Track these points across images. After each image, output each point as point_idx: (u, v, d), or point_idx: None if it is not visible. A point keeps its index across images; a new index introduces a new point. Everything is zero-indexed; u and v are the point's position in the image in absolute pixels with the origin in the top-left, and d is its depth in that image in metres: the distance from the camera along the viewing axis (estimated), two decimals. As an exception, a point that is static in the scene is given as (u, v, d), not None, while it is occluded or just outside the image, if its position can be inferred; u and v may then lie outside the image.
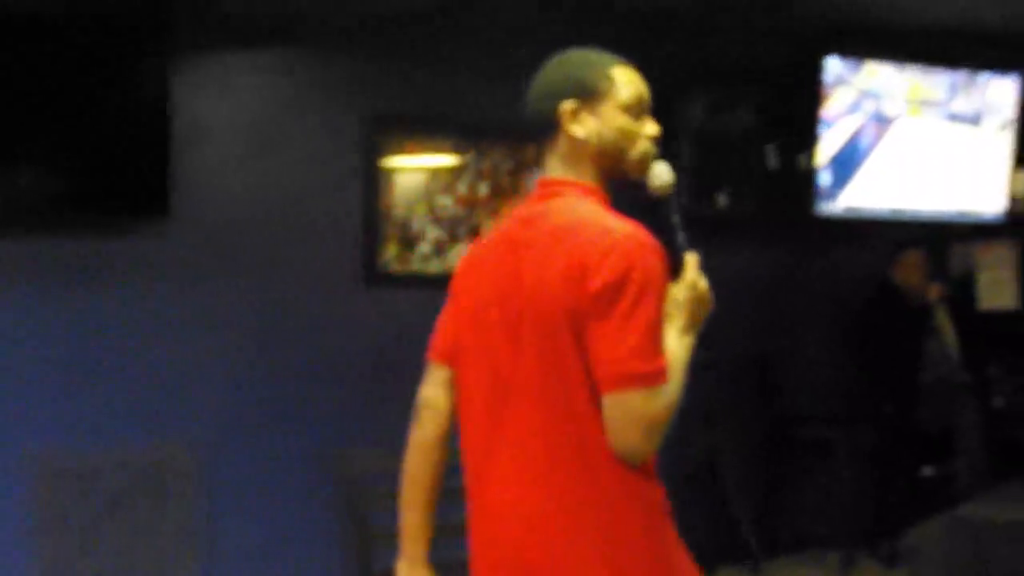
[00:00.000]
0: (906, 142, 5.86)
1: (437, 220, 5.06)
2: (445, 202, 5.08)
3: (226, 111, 4.61)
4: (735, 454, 5.63)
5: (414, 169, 5.05)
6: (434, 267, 5.06)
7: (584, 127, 2.08)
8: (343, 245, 4.85)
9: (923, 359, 5.82)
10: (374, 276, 4.91)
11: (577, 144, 2.08)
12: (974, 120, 5.98)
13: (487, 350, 2.04)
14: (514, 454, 1.98)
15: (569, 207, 2.05)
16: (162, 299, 4.47)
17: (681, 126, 5.28)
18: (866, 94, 5.71)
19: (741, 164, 5.43)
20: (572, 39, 5.77)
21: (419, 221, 5.02)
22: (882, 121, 5.78)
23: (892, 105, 5.79)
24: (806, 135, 5.63)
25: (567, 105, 2.08)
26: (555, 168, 2.12)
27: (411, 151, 5.05)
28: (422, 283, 5.03)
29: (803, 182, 5.66)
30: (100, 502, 3.79)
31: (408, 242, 5.00)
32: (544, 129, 2.13)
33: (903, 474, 5.73)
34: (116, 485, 3.75)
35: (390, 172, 4.97)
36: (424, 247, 5.04)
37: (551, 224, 2.02)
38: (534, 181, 2.18)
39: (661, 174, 2.12)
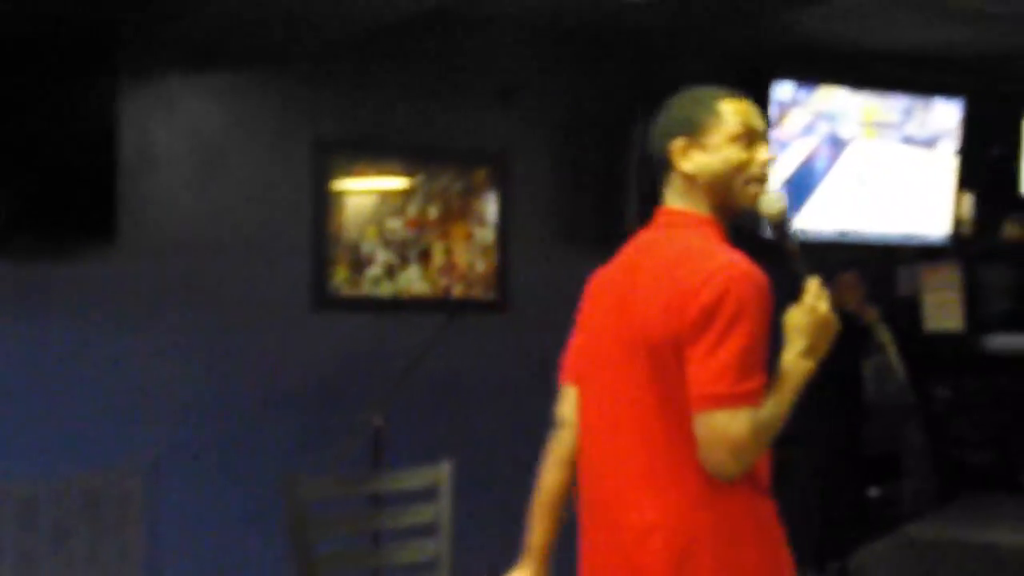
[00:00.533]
0: (857, 165, 5.92)
1: (387, 243, 5.05)
2: (395, 225, 5.07)
3: (174, 135, 4.58)
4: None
5: (364, 192, 5.04)
6: (385, 290, 5.04)
7: (692, 162, 2.19)
8: (293, 269, 4.83)
9: (863, 380, 5.85)
10: (324, 300, 4.89)
11: (688, 179, 2.19)
12: (923, 143, 6.04)
13: (605, 371, 2.21)
14: (631, 470, 2.12)
15: (681, 237, 2.17)
16: (107, 324, 4.42)
17: (634, 150, 5.29)
18: (820, 117, 5.76)
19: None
20: (524, 63, 5.82)
21: (369, 244, 5.01)
22: (835, 144, 5.83)
23: (846, 128, 5.84)
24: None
25: (677, 143, 2.20)
26: (673, 200, 2.23)
27: (361, 174, 5.04)
28: (373, 306, 5.02)
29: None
30: (43, 530, 3.74)
31: (358, 265, 4.98)
32: (661, 166, 2.25)
33: (850, 495, 5.76)
34: (60, 512, 3.70)
35: (340, 195, 4.96)
36: (374, 270, 5.02)
37: (663, 253, 2.16)
38: (658, 210, 2.32)
39: (772, 201, 2.17)
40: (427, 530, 3.18)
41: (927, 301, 6.35)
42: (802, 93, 5.69)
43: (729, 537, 2.09)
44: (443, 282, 5.18)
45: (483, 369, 5.29)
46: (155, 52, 4.44)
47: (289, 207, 4.84)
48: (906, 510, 5.39)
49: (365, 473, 3.86)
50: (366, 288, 5.00)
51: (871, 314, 5.95)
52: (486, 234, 5.30)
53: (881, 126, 5.93)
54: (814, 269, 2.14)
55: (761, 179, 2.18)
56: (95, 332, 4.40)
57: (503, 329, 5.37)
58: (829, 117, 5.78)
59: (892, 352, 5.94)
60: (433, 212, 5.16)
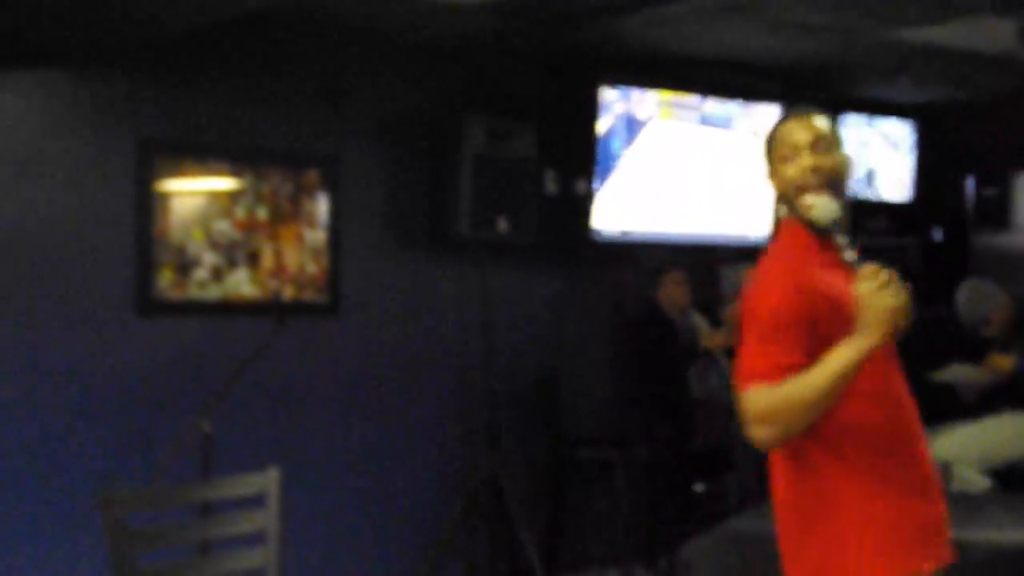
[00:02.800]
0: (679, 169, 6.06)
1: (215, 245, 4.95)
2: (223, 227, 4.99)
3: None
4: (520, 475, 5.67)
5: (190, 193, 4.93)
6: (212, 293, 4.95)
7: (770, 183, 2.52)
8: (116, 272, 4.69)
9: (689, 377, 5.98)
10: (148, 304, 4.77)
11: (779, 198, 2.52)
12: (748, 148, 6.21)
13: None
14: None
15: (769, 247, 2.51)
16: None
17: (462, 153, 5.31)
18: (639, 120, 5.87)
19: (521, 190, 5.49)
20: (352, 67, 5.78)
21: (196, 246, 4.91)
22: (655, 147, 5.95)
23: (666, 131, 5.97)
24: (583, 161, 5.75)
25: (764, 169, 2.53)
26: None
27: (187, 175, 4.93)
28: (199, 310, 4.92)
29: (580, 207, 5.79)
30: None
31: (184, 268, 4.88)
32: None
33: (677, 491, 5.87)
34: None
35: (165, 196, 4.85)
36: (201, 273, 4.92)
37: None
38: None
39: (814, 205, 2.39)
40: (255, 539, 3.12)
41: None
42: (624, 99, 5.81)
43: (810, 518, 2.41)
44: (273, 285, 5.11)
45: (314, 373, 5.24)
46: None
47: (112, 208, 4.70)
48: (731, 504, 5.53)
49: (189, 482, 3.77)
50: (193, 291, 4.90)
51: (719, 340, 6.04)
52: (317, 236, 5.25)
53: (698, 131, 6.10)
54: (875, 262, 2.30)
55: (804, 187, 2.42)
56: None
57: (334, 332, 5.33)
58: (648, 121, 5.90)
59: (722, 333, 6.05)
60: (262, 214, 5.09)
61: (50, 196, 4.55)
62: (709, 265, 6.39)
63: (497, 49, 5.55)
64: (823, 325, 2.31)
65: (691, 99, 6.11)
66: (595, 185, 5.77)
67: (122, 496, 2.90)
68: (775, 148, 2.51)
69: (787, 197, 2.48)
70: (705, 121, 6.17)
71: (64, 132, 4.59)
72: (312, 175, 5.24)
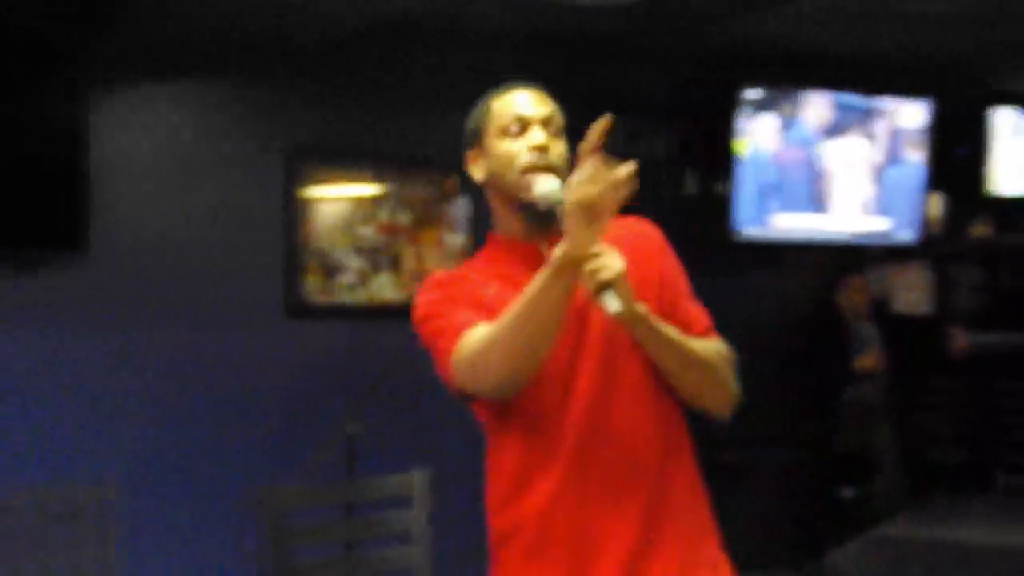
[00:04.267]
0: (823, 166, 5.94)
1: (359, 250, 5.03)
2: (366, 232, 5.05)
3: (144, 142, 4.54)
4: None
5: (335, 199, 5.02)
6: (357, 297, 5.02)
7: (478, 170, 2.12)
8: (264, 277, 4.79)
9: (843, 380, 5.88)
10: (296, 308, 4.86)
11: (484, 188, 2.13)
12: (889, 145, 6.07)
13: None
14: None
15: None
16: (79, 334, 4.38)
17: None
18: (783, 120, 5.78)
19: (659, 190, 5.46)
20: (492, 69, 5.78)
21: (341, 251, 4.98)
22: (799, 146, 5.85)
23: (809, 130, 5.86)
24: (724, 161, 5.68)
25: (468, 156, 2.14)
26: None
27: (332, 181, 5.02)
28: (345, 314, 4.99)
29: (721, 207, 5.72)
30: (14, 544, 3.69)
31: (330, 272, 4.96)
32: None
33: (823, 495, 5.77)
34: (31, 526, 3.65)
35: (311, 202, 4.93)
36: (346, 277, 5.00)
37: None
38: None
39: (542, 187, 2.00)
40: (402, 538, 3.15)
41: (897, 302, 6.38)
42: (765, 98, 5.71)
43: None
44: (415, 288, 5.14)
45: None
46: (126, 59, 4.39)
47: (261, 215, 4.80)
48: (878, 509, 5.40)
49: (339, 482, 3.84)
50: (338, 295, 4.98)
51: (871, 362, 5.96)
52: (457, 240, 5.29)
53: (843, 128, 5.96)
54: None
55: (533, 167, 2.02)
56: (67, 342, 4.35)
57: (476, 334, 5.34)
58: (792, 120, 5.80)
59: (875, 353, 5.97)
60: (404, 218, 5.14)
61: (204, 203, 4.68)
62: (854, 267, 6.26)
63: (634, 50, 5.52)
64: None
65: (856, 120, 5.98)
66: (735, 185, 5.70)
67: (277, 494, 2.96)
68: (491, 120, 2.10)
69: (501, 182, 2.06)
70: (870, 142, 6.04)
71: (216, 139, 4.71)
72: (453, 180, 5.29)
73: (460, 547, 5.00)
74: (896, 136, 6.08)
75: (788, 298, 6.14)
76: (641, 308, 1.93)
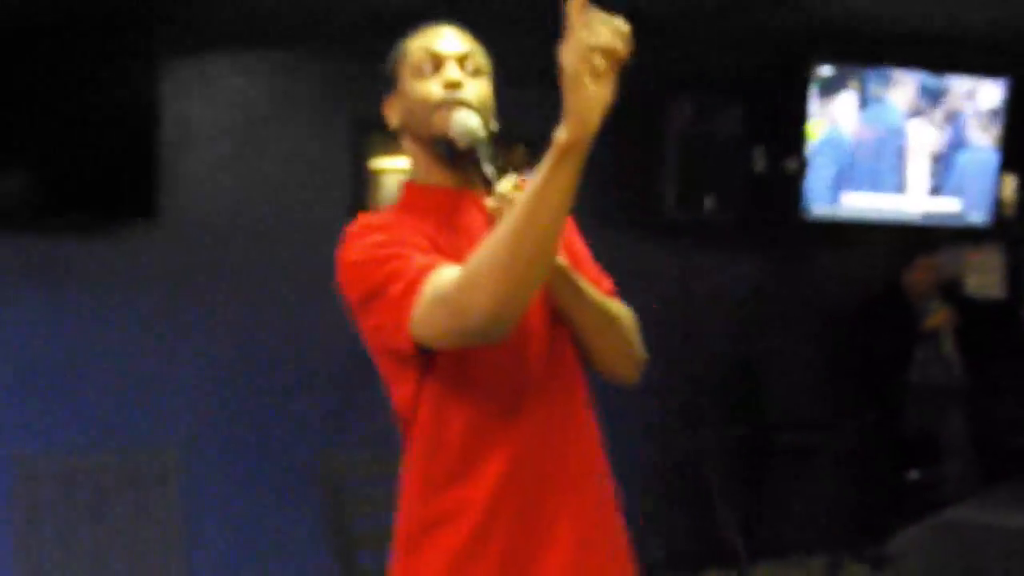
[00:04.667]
0: (895, 145, 5.83)
1: (424, 222, 5.01)
2: (432, 204, 5.04)
3: (214, 113, 4.56)
4: (721, 459, 5.60)
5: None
6: (421, 269, 5.01)
7: (394, 115, 1.98)
8: (330, 247, 4.78)
9: (912, 362, 5.79)
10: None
11: (401, 135, 1.97)
12: (962, 124, 5.95)
13: None
14: None
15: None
16: (148, 301, 4.42)
17: (667, 130, 5.25)
18: (855, 98, 5.69)
19: (728, 168, 5.39)
20: (557, 42, 5.72)
21: (407, 223, 4.98)
22: (871, 124, 5.75)
23: (881, 108, 5.76)
24: (793, 139, 5.60)
25: (385, 105, 2.00)
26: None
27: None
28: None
29: (790, 186, 5.63)
30: (79, 506, 3.73)
31: (396, 244, 4.95)
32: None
33: (888, 478, 5.70)
34: (96, 489, 3.69)
35: (378, 173, 4.93)
36: (411, 249, 4.99)
37: None
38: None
39: (458, 122, 1.86)
40: None
41: (969, 284, 6.27)
42: (836, 75, 5.63)
43: None
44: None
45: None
46: (196, 30, 4.41)
47: (328, 185, 4.81)
48: (947, 494, 5.32)
49: (399, 451, 3.83)
50: (403, 267, 4.97)
51: (946, 316, 5.87)
52: (523, 212, 5.26)
53: (915, 107, 5.85)
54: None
55: (447, 103, 1.87)
56: (136, 308, 4.39)
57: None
58: (864, 99, 5.70)
59: (947, 338, 5.88)
60: (471, 192, 5.12)
61: (272, 173, 4.69)
62: (925, 248, 6.15)
63: (705, 25, 5.45)
64: None
65: (929, 99, 5.87)
66: (806, 164, 5.62)
67: (339, 460, 2.96)
68: (405, 61, 1.95)
69: (415, 123, 1.89)
70: (942, 121, 5.92)
71: (284, 110, 4.72)
72: (519, 153, 5.26)
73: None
74: (970, 116, 5.96)
75: (856, 279, 6.06)
76: (562, 261, 1.84)
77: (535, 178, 1.62)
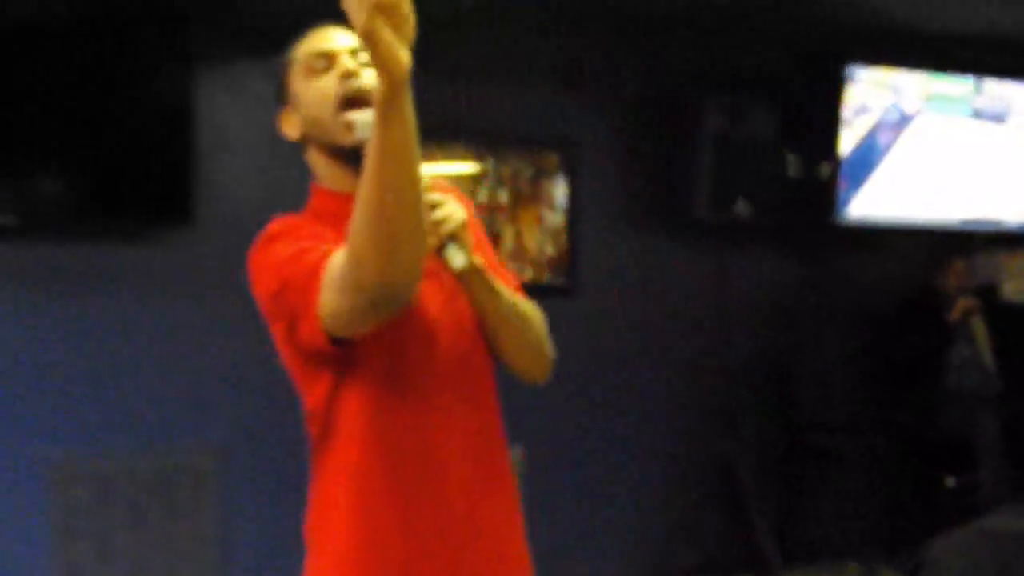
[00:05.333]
0: (928, 147, 5.78)
1: (458, 227, 5.01)
2: (466, 209, 5.04)
3: (249, 118, 4.57)
4: (755, 463, 5.58)
5: (434, 177, 5.00)
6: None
7: (292, 127, 1.92)
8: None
9: (946, 368, 5.75)
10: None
11: (303, 147, 1.93)
12: (997, 125, 5.90)
13: None
14: None
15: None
16: (183, 305, 4.43)
17: (701, 133, 5.24)
18: (887, 100, 5.65)
19: (761, 171, 5.37)
20: (591, 46, 5.73)
21: (439, 229, 4.97)
22: (903, 126, 5.70)
23: (912, 109, 5.71)
24: (827, 142, 5.56)
25: (279, 118, 1.94)
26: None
27: (430, 159, 5.00)
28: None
29: (824, 189, 5.59)
30: (117, 507, 3.76)
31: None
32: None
33: (923, 484, 5.67)
34: (133, 490, 3.72)
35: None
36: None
37: None
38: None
39: (360, 124, 1.79)
40: None
41: (1006, 289, 6.21)
42: (868, 77, 5.59)
43: None
44: (513, 266, 5.15)
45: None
46: (232, 35, 4.43)
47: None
48: (983, 501, 5.28)
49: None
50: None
51: (970, 304, 5.83)
52: (556, 218, 5.26)
53: (947, 107, 5.80)
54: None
55: (347, 98, 1.82)
56: (171, 312, 4.40)
57: (571, 314, 5.32)
58: (895, 101, 5.66)
59: (983, 342, 5.84)
60: (503, 197, 5.13)
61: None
62: (960, 252, 6.10)
63: (739, 28, 5.43)
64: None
65: (961, 99, 5.82)
66: (839, 167, 5.58)
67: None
68: (294, 70, 1.88)
69: (317, 129, 1.84)
70: (976, 121, 5.87)
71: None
72: (551, 158, 5.26)
73: (548, 523, 5.00)
74: (1006, 115, 5.90)
75: (890, 282, 6.02)
76: (479, 260, 1.83)
77: (372, 139, 1.58)
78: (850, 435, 5.72)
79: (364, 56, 1.82)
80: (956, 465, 5.67)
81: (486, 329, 1.90)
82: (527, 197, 5.19)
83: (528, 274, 5.17)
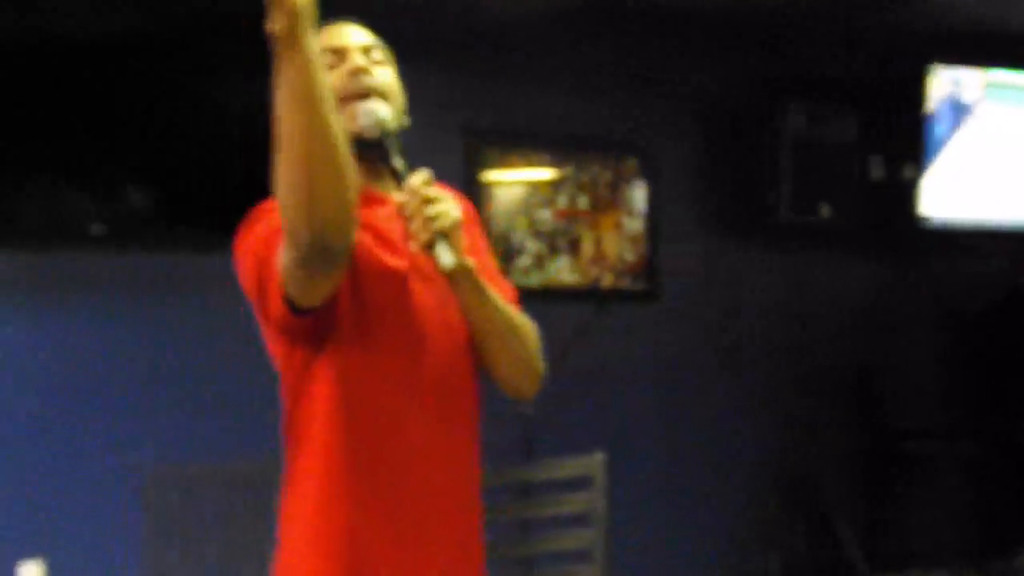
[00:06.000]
0: (1017, 151, 5.69)
1: (537, 233, 5.06)
2: (544, 215, 5.08)
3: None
4: (838, 469, 5.54)
5: (514, 183, 5.06)
6: (534, 280, 5.05)
7: None
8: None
9: None
10: (474, 290, 4.89)
11: None
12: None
13: None
14: None
15: None
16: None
17: (782, 136, 5.24)
18: (972, 103, 5.57)
19: (844, 175, 5.36)
20: (671, 53, 5.72)
21: (519, 234, 5.02)
22: (990, 131, 5.62)
23: (1000, 114, 5.62)
24: (910, 145, 5.50)
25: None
26: None
27: (511, 165, 5.06)
28: (523, 296, 4.97)
29: (907, 192, 5.53)
30: (204, 513, 3.81)
31: (509, 255, 4.99)
32: None
33: (1013, 489, 5.59)
34: (220, 497, 3.77)
35: (490, 186, 4.97)
36: (525, 260, 5.03)
37: None
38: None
39: (368, 112, 1.82)
40: (580, 520, 3.14)
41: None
42: (954, 80, 5.52)
43: None
44: (593, 272, 5.17)
45: (632, 358, 5.25)
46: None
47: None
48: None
49: (518, 463, 3.84)
50: (516, 278, 5.00)
51: None
52: (635, 224, 5.27)
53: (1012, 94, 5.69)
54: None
55: (350, 94, 1.83)
56: (251, 320, 4.45)
57: (652, 319, 5.34)
58: (980, 104, 5.58)
59: None
60: (583, 202, 5.16)
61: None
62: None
63: (818, 30, 5.41)
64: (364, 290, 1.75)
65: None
66: (922, 170, 5.52)
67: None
68: None
69: None
70: None
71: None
72: (630, 164, 5.27)
73: (627, 530, 4.98)
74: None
75: (977, 286, 5.94)
76: (470, 261, 1.80)
77: (277, 84, 1.59)
78: (938, 441, 5.66)
79: (376, 54, 1.88)
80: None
81: (475, 337, 1.87)
82: (606, 203, 5.20)
83: (608, 279, 5.18)
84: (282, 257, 1.70)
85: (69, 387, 4.23)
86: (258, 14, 1.65)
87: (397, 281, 1.80)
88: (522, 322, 1.94)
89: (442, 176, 5.12)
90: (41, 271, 4.23)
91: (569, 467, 3.22)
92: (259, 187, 4.27)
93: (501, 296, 1.93)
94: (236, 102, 4.30)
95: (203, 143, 4.28)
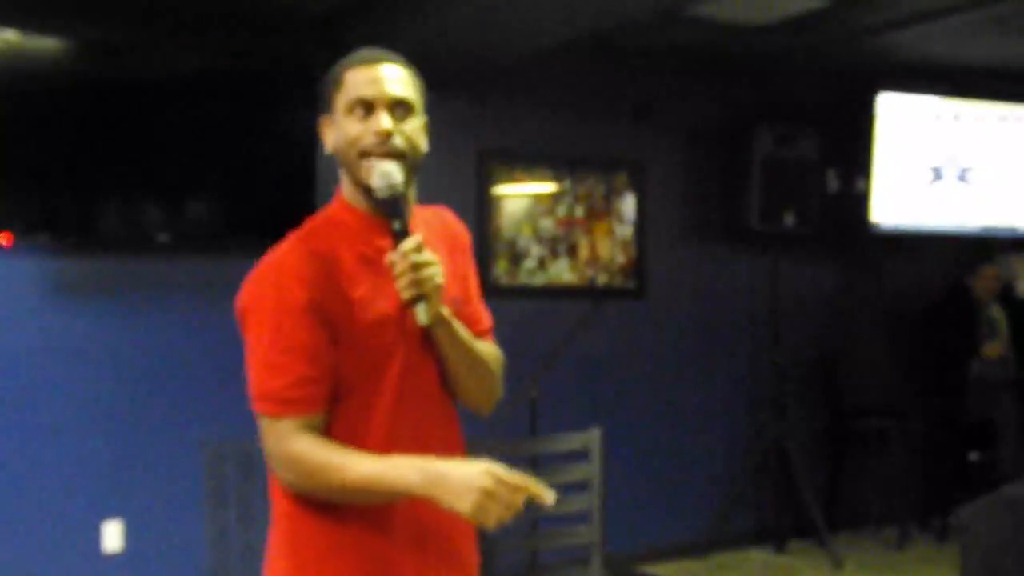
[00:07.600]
0: (960, 164, 5.76)
1: (540, 239, 5.11)
2: (546, 223, 5.13)
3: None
4: (803, 442, 5.58)
5: (520, 195, 5.11)
6: (538, 280, 5.11)
7: (329, 139, 1.77)
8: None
9: (973, 359, 5.73)
10: (487, 289, 4.92)
11: (333, 158, 1.79)
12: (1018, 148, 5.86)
13: None
14: None
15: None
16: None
17: (753, 156, 5.28)
18: (917, 123, 5.64)
19: (806, 188, 5.40)
20: (655, 80, 5.76)
21: (524, 240, 5.07)
22: (934, 148, 5.69)
23: (942, 132, 5.70)
24: (861, 161, 5.58)
25: (321, 122, 1.79)
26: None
27: (517, 180, 5.11)
28: (528, 294, 5.08)
29: (860, 203, 5.61)
30: (256, 481, 3.87)
31: (516, 259, 5.05)
32: None
33: (951, 459, 5.63)
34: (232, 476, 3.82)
35: (499, 199, 5.03)
36: (529, 263, 5.09)
37: None
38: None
39: (382, 174, 1.71)
40: (579, 487, 3.19)
41: (1021, 287, 6.16)
42: (900, 104, 5.57)
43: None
44: (588, 272, 5.23)
45: (623, 348, 5.30)
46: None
47: (457, 209, 4.87)
48: (1002, 473, 5.26)
49: (526, 437, 3.89)
50: (522, 278, 5.07)
51: (994, 303, 5.82)
52: (625, 230, 5.32)
53: (972, 133, 5.76)
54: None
55: (371, 152, 1.71)
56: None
57: (640, 313, 5.39)
58: (926, 124, 5.64)
59: (1004, 335, 5.81)
60: (579, 212, 5.20)
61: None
62: (984, 256, 6.06)
63: (785, 62, 5.45)
64: (342, 332, 1.66)
65: (984, 127, 5.80)
66: (872, 183, 5.59)
67: (475, 445, 3.05)
68: (341, 92, 1.72)
69: (344, 160, 1.73)
70: (1001, 147, 5.83)
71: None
72: (622, 178, 5.32)
73: (623, 495, 5.07)
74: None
75: (922, 284, 5.99)
76: (445, 311, 1.73)
77: (388, 477, 1.63)
78: (888, 417, 5.69)
79: (403, 108, 1.73)
80: (979, 442, 5.64)
81: (446, 370, 1.81)
82: (600, 212, 5.25)
83: (602, 279, 5.25)
84: (284, 461, 1.70)
85: (141, 374, 4.28)
86: (304, 60, 1.68)
87: (393, 326, 1.72)
88: (489, 356, 1.89)
89: (458, 188, 5.25)
90: (116, 274, 4.28)
91: (570, 441, 3.22)
92: (300, 201, 4.36)
93: (478, 325, 1.90)
94: (283, 131, 4.38)
95: (254, 164, 4.33)
